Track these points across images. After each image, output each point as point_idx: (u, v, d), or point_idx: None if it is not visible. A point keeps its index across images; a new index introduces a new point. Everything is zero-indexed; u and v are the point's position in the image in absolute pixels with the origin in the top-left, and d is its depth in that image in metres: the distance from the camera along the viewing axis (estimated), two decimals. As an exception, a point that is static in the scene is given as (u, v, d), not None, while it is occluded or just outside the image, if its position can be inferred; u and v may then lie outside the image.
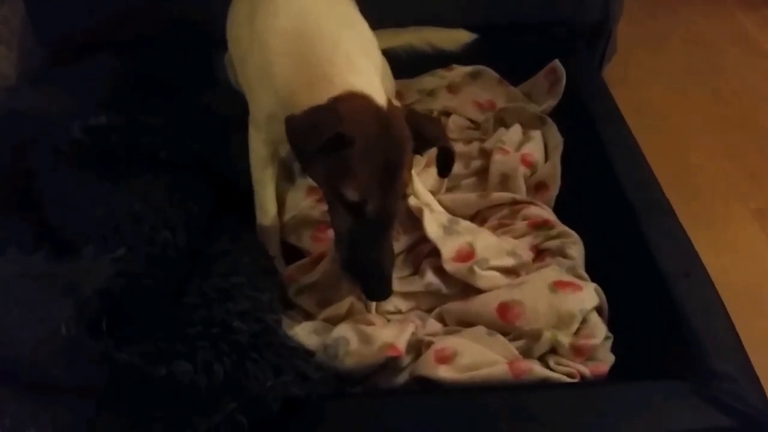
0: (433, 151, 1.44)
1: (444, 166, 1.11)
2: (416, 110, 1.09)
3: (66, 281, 1.01)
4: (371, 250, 1.02)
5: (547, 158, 1.49)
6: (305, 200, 1.38)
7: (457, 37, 1.70)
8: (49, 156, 1.32)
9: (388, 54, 1.57)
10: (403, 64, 1.65)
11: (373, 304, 1.21)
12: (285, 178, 1.42)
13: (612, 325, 1.14)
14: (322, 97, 1.00)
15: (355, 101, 1.00)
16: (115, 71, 1.57)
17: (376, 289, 1.05)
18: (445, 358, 1.06)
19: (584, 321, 1.11)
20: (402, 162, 1.01)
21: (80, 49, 1.67)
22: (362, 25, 1.24)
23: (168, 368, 0.84)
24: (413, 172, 1.36)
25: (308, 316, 1.22)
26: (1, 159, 1.38)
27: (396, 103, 1.11)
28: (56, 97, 1.46)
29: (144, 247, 1.13)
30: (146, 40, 1.69)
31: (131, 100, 1.47)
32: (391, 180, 1.00)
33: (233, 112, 1.40)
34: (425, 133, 1.05)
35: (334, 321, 1.17)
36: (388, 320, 1.18)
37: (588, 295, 1.13)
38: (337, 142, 0.95)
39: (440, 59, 1.72)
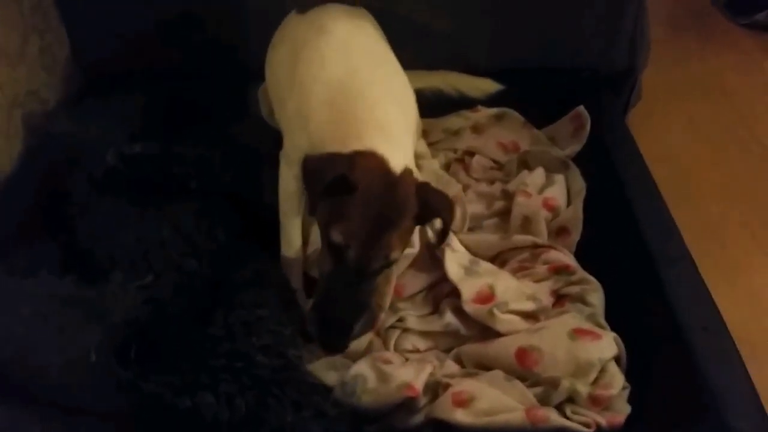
0: (456, 191, 1.50)
1: (439, 240, 1.19)
2: (430, 184, 1.14)
3: (94, 306, 1.05)
4: (339, 298, 1.06)
5: (569, 203, 1.50)
6: (329, 234, 1.41)
7: (483, 87, 1.74)
8: (83, 181, 1.36)
9: (416, 94, 1.60)
10: (430, 104, 1.68)
11: (392, 342, 1.22)
12: (310, 212, 1.44)
13: (629, 374, 1.14)
14: (346, 149, 1.07)
15: (371, 159, 1.06)
16: (151, 100, 1.62)
17: (329, 338, 1.08)
18: (462, 402, 1.06)
19: (602, 370, 1.11)
20: (395, 223, 1.05)
21: (118, 77, 1.73)
22: (402, 82, 1.29)
23: (192, 400, 0.86)
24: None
25: (327, 351, 1.24)
26: (36, 182, 1.43)
27: (417, 174, 1.16)
28: (92, 123, 1.51)
29: (171, 275, 1.16)
30: (182, 71, 1.75)
31: (165, 130, 1.52)
32: (379, 235, 1.04)
33: (263, 144, 1.45)
34: (432, 204, 1.10)
35: (352, 357, 1.18)
36: (407, 359, 1.19)
37: (607, 345, 1.13)
38: (341, 186, 1.01)
39: (466, 101, 1.75)
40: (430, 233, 1.31)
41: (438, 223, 1.21)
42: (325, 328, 1.07)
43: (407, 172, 1.09)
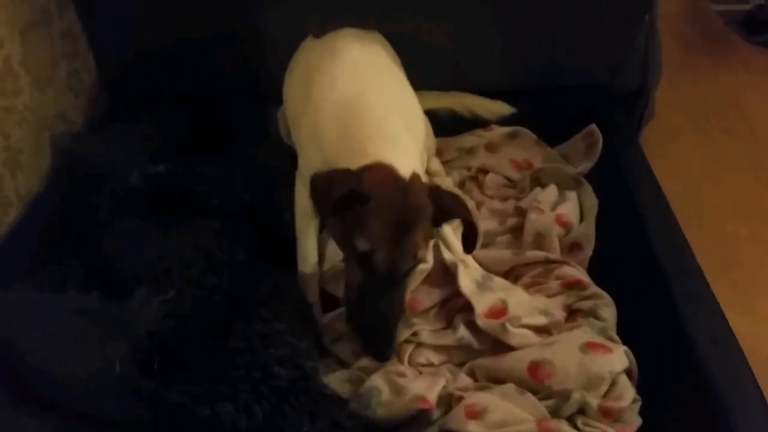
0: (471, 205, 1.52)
1: (468, 241, 1.19)
2: (440, 187, 1.17)
3: (118, 320, 1.08)
4: (377, 305, 1.07)
5: (582, 219, 1.52)
6: (344, 251, 1.44)
7: (496, 109, 1.77)
8: (107, 200, 1.41)
9: (430, 114, 1.64)
10: (444, 124, 1.72)
11: (406, 356, 1.24)
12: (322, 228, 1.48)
13: (640, 388, 1.15)
14: (355, 165, 1.10)
15: (380, 170, 1.09)
16: (174, 122, 1.67)
17: (376, 347, 1.09)
18: (475, 414, 1.08)
19: (613, 383, 1.12)
20: (415, 223, 1.07)
21: (142, 100, 1.79)
22: (410, 99, 1.33)
23: (212, 408, 0.89)
24: (449, 227, 1.41)
25: (343, 365, 1.26)
26: (62, 201, 1.48)
27: (425, 178, 1.19)
28: (117, 145, 1.56)
29: (192, 290, 1.20)
30: (204, 94, 1.80)
31: (187, 151, 1.57)
32: (402, 237, 1.06)
33: (281, 164, 1.49)
34: (446, 206, 1.13)
35: (368, 371, 1.20)
36: (420, 372, 1.21)
37: (618, 358, 1.14)
38: (353, 198, 1.04)
39: (479, 120, 1.79)
40: (446, 254, 1.33)
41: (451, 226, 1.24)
42: (370, 338, 1.09)
43: (416, 176, 1.12)
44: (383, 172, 1.09)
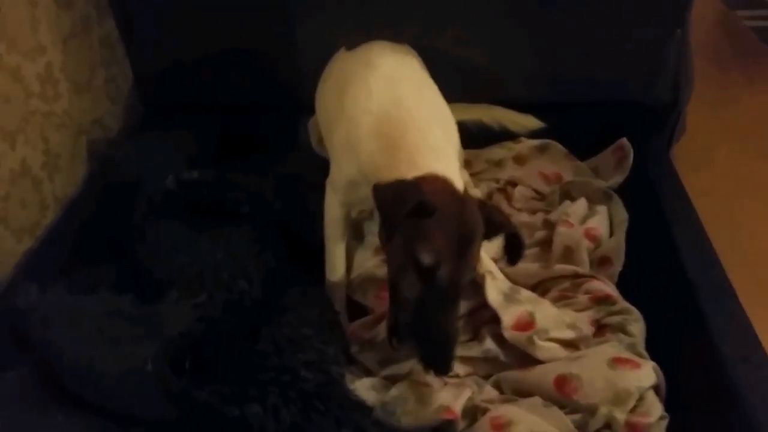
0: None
1: (513, 253, 1.17)
2: (487, 202, 1.16)
3: (150, 322, 1.11)
4: (440, 318, 1.04)
5: (611, 234, 1.51)
6: (372, 260, 1.45)
7: (525, 123, 1.77)
8: (142, 204, 1.45)
9: (459, 126, 1.65)
10: (473, 136, 1.72)
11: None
12: (355, 237, 1.49)
13: (669, 404, 1.14)
14: (405, 176, 1.09)
15: (436, 182, 1.08)
16: (207, 131, 1.71)
17: (439, 360, 1.05)
18: (500, 426, 1.08)
19: (641, 399, 1.11)
20: (474, 236, 1.07)
21: (177, 108, 1.83)
22: (445, 111, 1.32)
23: (241, 409, 0.90)
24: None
25: (369, 373, 1.26)
26: (97, 205, 1.52)
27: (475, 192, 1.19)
28: (152, 151, 1.60)
29: (223, 294, 1.22)
30: (237, 103, 1.84)
31: (220, 158, 1.60)
32: (464, 251, 1.05)
33: (312, 173, 1.50)
34: (494, 220, 1.12)
35: (394, 380, 1.21)
36: (446, 383, 1.21)
37: (646, 374, 1.13)
38: (420, 210, 1.02)
39: (508, 132, 1.79)
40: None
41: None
42: (433, 351, 1.05)
43: (467, 191, 1.12)
44: (440, 184, 1.08)
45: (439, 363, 1.05)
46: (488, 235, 1.13)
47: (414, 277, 1.05)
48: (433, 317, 1.04)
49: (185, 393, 0.93)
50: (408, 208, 1.01)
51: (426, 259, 1.03)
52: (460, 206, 1.07)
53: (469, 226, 1.06)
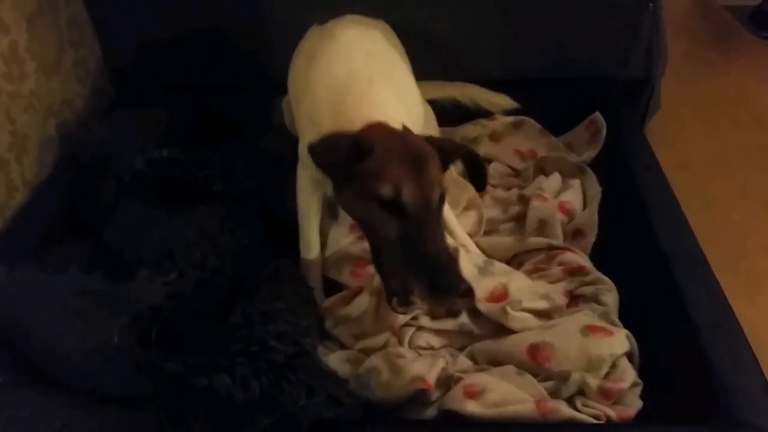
0: (472, 195, 1.53)
1: (476, 177, 1.16)
2: (433, 136, 1.15)
3: (120, 299, 1.09)
4: (427, 242, 1.00)
5: (585, 207, 1.52)
6: (347, 237, 1.45)
7: (499, 102, 1.78)
8: (112, 184, 1.43)
9: (434, 104, 1.65)
10: (447, 113, 1.72)
11: (406, 339, 1.24)
12: (329, 215, 1.49)
13: (643, 371, 1.15)
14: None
15: (372, 126, 1.09)
16: (178, 111, 1.69)
17: (446, 281, 0.99)
18: (473, 394, 1.08)
19: (614, 366, 1.12)
20: (425, 157, 1.05)
21: (147, 89, 1.81)
22: (402, 76, 1.31)
23: (209, 380, 0.89)
24: (451, 213, 1.41)
25: (344, 348, 1.26)
26: (67, 186, 1.50)
27: None
28: (122, 132, 1.58)
29: (195, 272, 1.21)
30: (209, 84, 1.82)
31: (192, 138, 1.59)
32: (420, 171, 1.03)
33: (285, 152, 1.49)
34: (446, 147, 1.11)
35: (368, 353, 1.21)
36: (420, 354, 1.21)
37: (618, 341, 1.14)
38: (359, 151, 1.02)
39: (482, 110, 1.79)
40: (448, 240, 1.32)
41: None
42: (436, 275, 0.99)
43: (408, 129, 1.11)
44: (376, 126, 1.09)
45: (446, 285, 0.99)
46: (446, 163, 1.11)
47: (384, 216, 1.03)
48: (420, 243, 1.00)
49: (154, 365, 0.92)
50: (344, 152, 1.01)
51: (385, 190, 1.01)
52: (400, 138, 1.06)
53: (416, 150, 1.05)
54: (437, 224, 1.05)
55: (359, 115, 1.11)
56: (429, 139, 1.10)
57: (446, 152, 1.10)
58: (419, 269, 1.00)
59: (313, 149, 1.05)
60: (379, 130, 1.08)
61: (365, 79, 1.18)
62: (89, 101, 1.76)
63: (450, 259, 1.02)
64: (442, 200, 1.07)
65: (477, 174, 1.17)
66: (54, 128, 1.59)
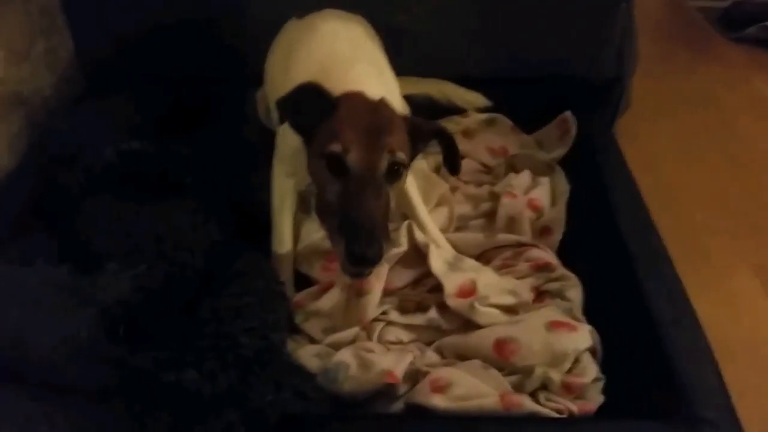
0: (444, 191, 1.54)
1: (451, 158, 1.19)
2: (411, 116, 1.17)
3: (88, 292, 1.09)
4: (361, 204, 1.01)
5: (553, 204, 1.55)
6: (319, 232, 1.45)
7: (473, 100, 1.80)
8: (80, 176, 1.41)
9: (408, 100, 1.65)
10: (421, 110, 1.72)
11: (375, 333, 1.25)
12: (302, 210, 1.49)
13: (605, 367, 1.17)
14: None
15: (347, 93, 1.11)
16: (150, 102, 1.67)
17: (363, 247, 0.98)
18: (439, 388, 1.10)
19: (576, 361, 1.14)
20: (387, 126, 1.07)
21: (119, 79, 1.79)
22: (383, 66, 1.33)
23: (177, 375, 0.90)
24: (423, 207, 1.43)
25: (314, 343, 1.27)
26: (35, 177, 1.48)
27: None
28: (92, 122, 1.56)
29: (163, 266, 1.20)
30: (182, 75, 1.80)
31: (164, 130, 1.57)
32: (374, 138, 1.05)
33: (259, 146, 1.49)
34: (418, 123, 1.13)
35: (337, 348, 1.22)
36: (389, 349, 1.23)
37: (582, 336, 1.17)
38: (322, 107, 1.06)
39: (456, 107, 1.81)
40: (419, 236, 1.34)
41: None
42: (357, 238, 0.98)
43: (384, 100, 1.12)
44: (352, 94, 1.11)
45: (365, 249, 0.98)
46: (417, 140, 1.14)
47: (329, 176, 1.06)
48: (353, 207, 1.02)
49: (121, 359, 0.92)
50: (297, 94, 1.05)
51: (334, 148, 1.03)
52: (369, 105, 1.08)
53: (380, 117, 1.07)
54: (378, 194, 1.05)
55: (340, 91, 1.12)
56: (407, 119, 1.12)
57: (419, 128, 1.12)
58: (345, 233, 1.01)
59: (279, 101, 1.08)
60: (352, 95, 1.10)
61: (348, 61, 1.20)
62: (59, 90, 1.74)
63: (380, 230, 1.02)
64: (395, 173, 1.08)
65: (451, 155, 1.18)
66: (24, 117, 1.56)
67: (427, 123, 1.16)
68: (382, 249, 1.00)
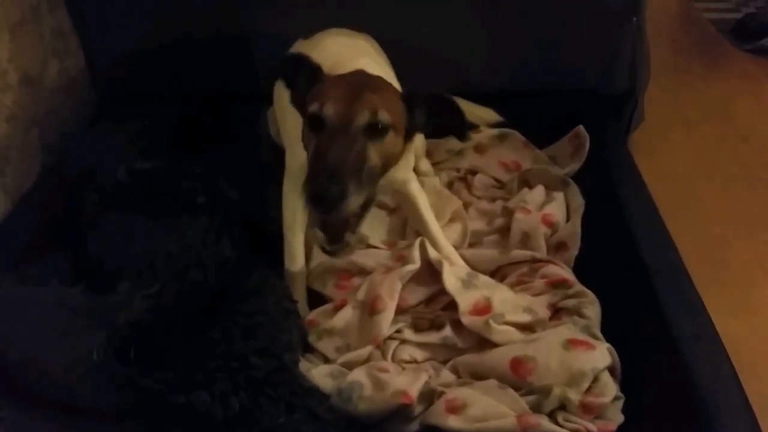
0: (457, 207, 1.53)
1: (456, 126, 1.17)
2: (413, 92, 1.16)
3: (99, 313, 1.09)
4: (329, 153, 1.00)
5: (568, 219, 1.53)
6: (331, 248, 1.44)
7: (485, 116, 1.79)
8: (94, 195, 1.42)
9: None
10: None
11: (389, 353, 1.24)
12: (313, 227, 1.48)
13: (624, 385, 1.15)
14: None
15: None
16: (163, 122, 1.68)
17: (324, 185, 0.97)
18: (455, 408, 1.08)
19: (595, 380, 1.12)
20: (370, 85, 1.08)
21: (132, 100, 1.80)
22: (390, 77, 1.32)
23: (187, 397, 0.89)
24: (436, 224, 1.42)
25: (327, 362, 1.25)
26: (50, 197, 1.49)
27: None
28: (106, 143, 1.58)
29: (175, 285, 1.20)
30: (195, 94, 1.81)
31: (176, 148, 1.58)
32: (354, 93, 1.05)
33: (270, 162, 1.49)
34: (417, 95, 1.14)
35: (351, 367, 1.20)
36: (403, 368, 1.21)
37: (600, 355, 1.14)
38: (311, 73, 1.12)
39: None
40: (431, 253, 1.33)
41: None
42: (318, 187, 0.98)
43: (382, 77, 1.15)
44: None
45: (326, 187, 0.97)
46: (416, 111, 1.14)
47: (310, 133, 1.08)
48: (323, 153, 1.01)
49: (131, 380, 0.91)
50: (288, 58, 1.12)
51: (313, 108, 1.05)
52: (361, 75, 1.11)
53: (363, 79, 1.09)
54: (351, 145, 1.03)
55: None
56: (405, 97, 1.13)
57: (414, 96, 1.13)
58: (312, 178, 1.00)
59: (274, 70, 1.17)
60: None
61: (351, 60, 1.22)
62: (73, 111, 1.75)
63: (346, 175, 1.00)
64: (377, 132, 1.06)
65: (455, 121, 1.16)
66: (38, 139, 1.58)
67: (423, 92, 1.15)
68: (345, 191, 0.98)
